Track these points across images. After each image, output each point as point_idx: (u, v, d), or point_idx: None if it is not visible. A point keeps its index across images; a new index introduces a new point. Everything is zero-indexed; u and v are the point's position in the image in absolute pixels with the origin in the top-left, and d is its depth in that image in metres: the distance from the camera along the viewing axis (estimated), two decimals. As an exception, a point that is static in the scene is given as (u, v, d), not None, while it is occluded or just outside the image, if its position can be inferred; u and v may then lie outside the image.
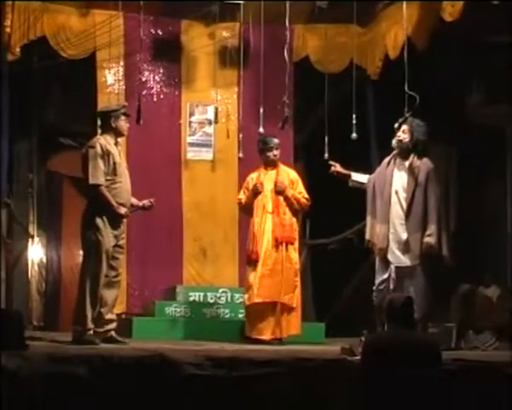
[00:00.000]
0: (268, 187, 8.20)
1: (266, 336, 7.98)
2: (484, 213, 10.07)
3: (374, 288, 7.39)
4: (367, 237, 7.48)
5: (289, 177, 8.31)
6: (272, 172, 8.28)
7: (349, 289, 10.51)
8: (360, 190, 7.61)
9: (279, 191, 8.16)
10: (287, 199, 8.19)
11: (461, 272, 8.83)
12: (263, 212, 8.15)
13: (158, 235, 9.61)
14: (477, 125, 9.72)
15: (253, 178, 8.32)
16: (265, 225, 8.12)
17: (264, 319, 8.03)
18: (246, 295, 8.10)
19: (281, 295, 8.03)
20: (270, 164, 8.30)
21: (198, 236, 9.82)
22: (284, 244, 8.11)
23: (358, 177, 7.63)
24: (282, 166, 8.35)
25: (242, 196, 8.32)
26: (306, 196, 8.35)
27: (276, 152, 8.27)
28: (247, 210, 8.31)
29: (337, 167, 7.67)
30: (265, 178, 8.24)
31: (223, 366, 5.69)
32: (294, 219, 8.25)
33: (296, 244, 8.22)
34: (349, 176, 7.64)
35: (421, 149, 7.37)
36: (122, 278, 9.17)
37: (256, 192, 8.18)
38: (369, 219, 7.47)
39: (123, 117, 7.29)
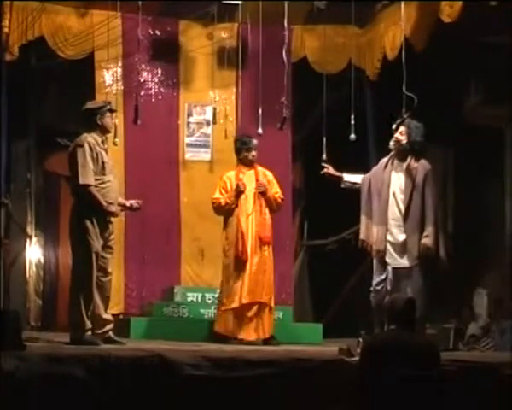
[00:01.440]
0: (248, 187, 8.20)
1: (251, 337, 7.99)
2: (482, 214, 10.06)
3: (371, 288, 7.39)
4: (361, 236, 7.49)
5: (266, 177, 8.33)
6: (250, 173, 8.29)
7: (347, 289, 10.51)
8: (353, 190, 7.61)
9: (262, 192, 8.17)
10: (267, 199, 8.21)
11: (459, 274, 8.84)
12: (246, 212, 8.15)
13: (156, 235, 9.61)
14: (475, 126, 9.72)
15: (230, 177, 8.29)
16: (249, 225, 8.12)
17: (250, 319, 8.04)
18: (235, 296, 8.04)
19: (265, 295, 8.06)
20: (248, 164, 8.30)
21: (196, 236, 9.82)
22: (266, 245, 8.13)
23: (351, 177, 7.65)
24: (258, 167, 8.35)
25: (220, 196, 8.24)
26: (282, 196, 8.40)
27: (254, 153, 8.28)
28: (225, 211, 8.23)
29: (329, 169, 7.69)
30: (244, 179, 8.24)
31: (221, 367, 5.68)
32: (271, 220, 8.26)
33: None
34: (341, 178, 7.66)
35: (419, 150, 7.37)
36: (120, 278, 9.24)
37: (238, 192, 8.17)
38: (363, 218, 7.48)
39: (108, 114, 7.23)
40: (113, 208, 7.09)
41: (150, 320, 8.72)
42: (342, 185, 7.67)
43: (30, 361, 5.38)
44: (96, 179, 7.00)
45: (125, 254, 9.45)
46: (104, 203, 6.99)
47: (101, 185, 7.04)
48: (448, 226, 10.00)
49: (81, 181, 6.95)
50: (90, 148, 6.99)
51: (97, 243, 6.97)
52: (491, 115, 9.65)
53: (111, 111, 7.27)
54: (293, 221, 10.54)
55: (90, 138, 7.05)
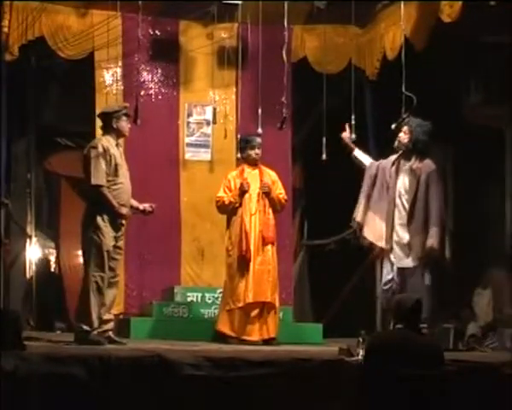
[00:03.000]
0: (252, 187, 8.20)
1: (255, 337, 8.00)
2: (482, 214, 10.07)
3: (381, 287, 7.41)
4: (357, 218, 7.47)
5: (270, 177, 8.33)
6: (254, 172, 8.29)
7: (347, 289, 10.51)
8: (357, 166, 7.62)
9: (266, 192, 8.17)
10: (271, 200, 8.21)
11: (459, 273, 8.84)
12: (250, 211, 8.15)
13: (156, 235, 9.61)
14: (475, 126, 9.72)
15: (234, 176, 8.28)
16: (253, 224, 8.12)
17: (254, 319, 8.05)
18: (240, 296, 8.05)
19: (270, 295, 8.06)
20: (252, 163, 8.30)
21: (196, 236, 9.82)
22: (269, 245, 8.13)
23: (361, 156, 7.68)
24: (262, 167, 8.35)
25: (224, 195, 8.24)
26: (285, 196, 8.41)
27: (258, 151, 8.27)
28: (229, 210, 8.24)
29: (346, 135, 7.68)
30: (248, 178, 8.24)
31: (221, 367, 5.68)
32: (274, 220, 8.27)
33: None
34: (352, 150, 7.66)
35: (422, 149, 7.35)
36: (120, 278, 9.22)
37: (242, 191, 8.16)
38: (362, 202, 7.46)
39: (124, 118, 7.29)
40: (124, 211, 7.15)
41: (150, 320, 8.73)
42: (351, 157, 7.68)
43: (30, 361, 5.38)
44: (108, 181, 7.07)
45: (125, 254, 9.40)
46: (116, 205, 7.05)
47: (113, 187, 7.11)
48: (448, 226, 10.00)
49: (93, 181, 7.04)
50: (104, 149, 7.07)
51: (109, 242, 7.02)
52: (491, 115, 9.65)
53: (127, 115, 7.32)
54: (293, 221, 10.53)
55: (104, 141, 7.16)
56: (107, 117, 7.28)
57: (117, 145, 7.25)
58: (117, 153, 7.19)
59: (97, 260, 7.00)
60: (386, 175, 7.42)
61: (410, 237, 7.23)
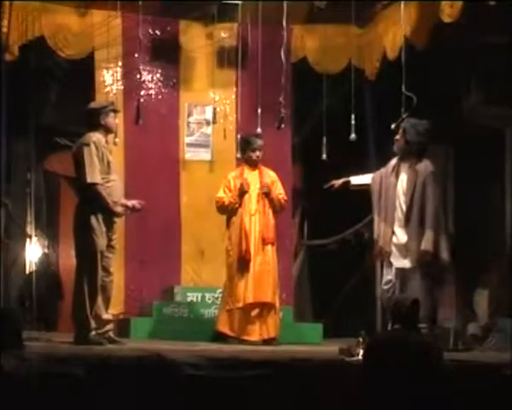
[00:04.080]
0: (252, 187, 8.20)
1: (255, 337, 8.00)
2: (482, 214, 10.06)
3: (381, 287, 7.43)
4: (375, 236, 7.48)
5: (270, 178, 8.34)
6: (254, 173, 8.31)
7: (347, 289, 10.51)
8: (362, 190, 7.62)
9: (265, 193, 8.18)
10: (271, 200, 8.22)
11: (459, 273, 8.83)
12: (249, 212, 8.15)
13: (156, 235, 9.60)
14: (475, 126, 9.72)
15: (234, 177, 8.31)
16: (252, 225, 8.12)
17: (254, 319, 8.06)
18: (239, 296, 8.07)
19: (270, 295, 8.06)
20: (252, 164, 8.31)
21: (196, 236, 9.81)
22: (270, 245, 8.13)
23: (358, 179, 7.66)
24: (262, 167, 8.35)
25: (223, 195, 8.28)
26: (285, 197, 8.44)
27: (258, 153, 8.29)
28: (229, 210, 8.27)
29: (334, 185, 7.70)
30: (248, 179, 8.25)
31: (220, 367, 5.69)
32: (274, 220, 8.27)
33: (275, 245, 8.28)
34: (348, 182, 7.67)
35: (418, 149, 7.36)
36: (120, 278, 9.23)
37: (242, 191, 8.17)
38: (376, 219, 7.47)
39: (112, 114, 7.26)
40: (119, 208, 7.11)
41: (150, 320, 8.73)
42: (351, 188, 7.68)
43: (30, 361, 5.38)
44: (102, 178, 7.03)
45: (125, 254, 9.43)
46: (111, 203, 7.01)
47: (107, 184, 7.07)
48: (449, 227, 10.00)
49: (89, 179, 6.98)
50: (96, 147, 7.03)
51: (102, 242, 6.99)
52: (492, 115, 9.65)
53: (114, 111, 7.30)
54: (293, 221, 10.53)
55: (95, 138, 7.09)
56: (95, 113, 7.22)
57: (106, 142, 7.21)
58: (108, 150, 7.16)
59: (91, 260, 6.97)
60: (388, 179, 7.43)
61: (408, 239, 7.24)
